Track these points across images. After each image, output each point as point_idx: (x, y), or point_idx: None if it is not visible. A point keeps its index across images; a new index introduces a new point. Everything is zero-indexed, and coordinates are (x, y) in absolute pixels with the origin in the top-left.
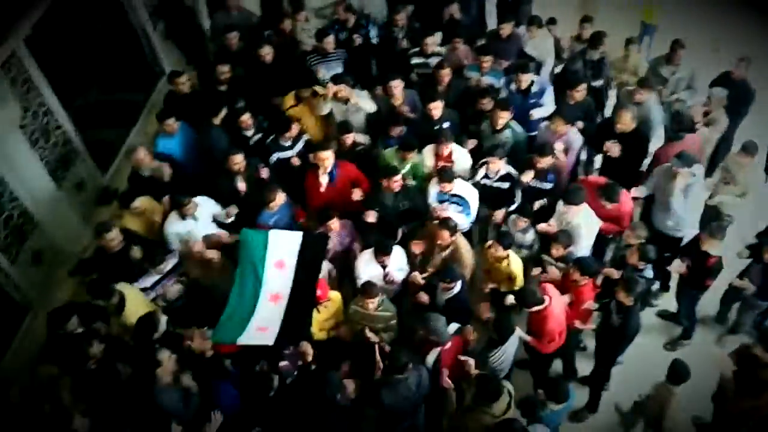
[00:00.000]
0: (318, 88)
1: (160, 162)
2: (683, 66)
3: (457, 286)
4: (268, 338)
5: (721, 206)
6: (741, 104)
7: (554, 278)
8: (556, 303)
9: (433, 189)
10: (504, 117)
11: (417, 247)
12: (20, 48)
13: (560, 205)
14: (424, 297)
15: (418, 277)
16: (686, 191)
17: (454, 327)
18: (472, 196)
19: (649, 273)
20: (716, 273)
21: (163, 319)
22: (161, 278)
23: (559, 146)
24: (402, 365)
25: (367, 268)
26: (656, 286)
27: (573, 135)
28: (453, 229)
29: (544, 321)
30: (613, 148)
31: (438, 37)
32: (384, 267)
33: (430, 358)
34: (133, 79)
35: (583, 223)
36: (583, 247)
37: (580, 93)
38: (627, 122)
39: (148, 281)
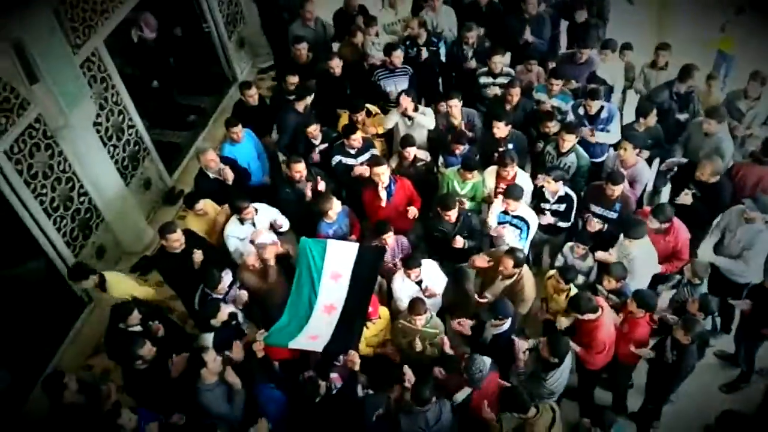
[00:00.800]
0: (371, 107)
1: (224, 165)
2: (763, 100)
3: (507, 323)
4: (318, 345)
5: None
6: None
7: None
8: (607, 315)
9: (496, 207)
10: (570, 140)
11: (481, 262)
12: (101, 47)
13: (622, 237)
14: (466, 328)
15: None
16: (756, 238)
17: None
18: (533, 220)
19: (707, 324)
20: None
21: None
22: (224, 296)
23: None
24: (425, 399)
25: (402, 285)
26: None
27: (641, 167)
28: (520, 262)
29: (595, 330)
30: (686, 198)
31: (507, 57)
32: (419, 283)
33: (460, 396)
34: (205, 84)
35: (643, 258)
36: (640, 283)
37: (651, 119)
38: (707, 174)
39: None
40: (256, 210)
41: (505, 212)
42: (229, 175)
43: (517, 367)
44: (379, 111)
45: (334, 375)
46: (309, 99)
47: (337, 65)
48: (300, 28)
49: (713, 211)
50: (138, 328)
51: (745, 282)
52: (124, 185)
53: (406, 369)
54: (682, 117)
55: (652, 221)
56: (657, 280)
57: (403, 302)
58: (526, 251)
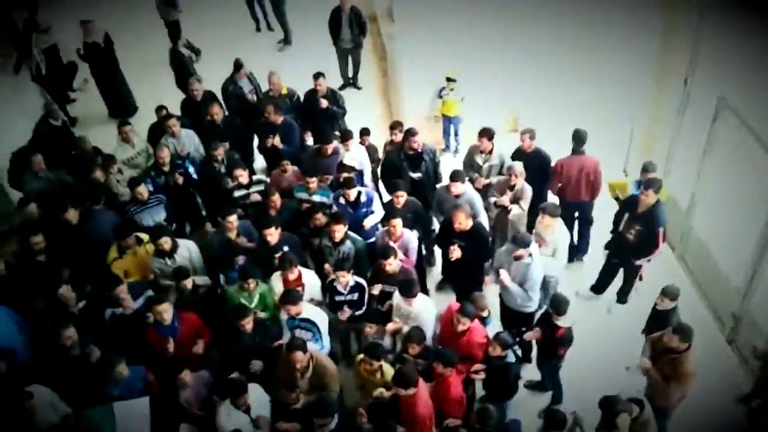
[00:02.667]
0: (141, 235)
1: None
2: (495, 153)
3: (334, 421)
4: None
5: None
6: (542, 171)
7: None
8: (423, 387)
9: (283, 315)
10: (340, 230)
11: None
12: None
13: (396, 298)
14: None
15: (284, 425)
16: (528, 271)
17: None
18: (322, 321)
19: (511, 357)
20: (568, 342)
21: None
22: None
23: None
24: None
25: (230, 419)
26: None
27: (408, 236)
28: (303, 347)
29: (414, 406)
30: (455, 252)
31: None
32: (247, 411)
33: None
34: None
35: (424, 310)
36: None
37: (402, 198)
38: (463, 221)
39: None
40: (31, 395)
41: (292, 317)
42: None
43: None
44: (147, 237)
45: None
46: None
47: (73, 216)
48: (32, 178)
49: (481, 253)
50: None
51: (531, 311)
52: None
53: None
54: (416, 176)
55: (463, 321)
56: None
57: None
58: (326, 351)
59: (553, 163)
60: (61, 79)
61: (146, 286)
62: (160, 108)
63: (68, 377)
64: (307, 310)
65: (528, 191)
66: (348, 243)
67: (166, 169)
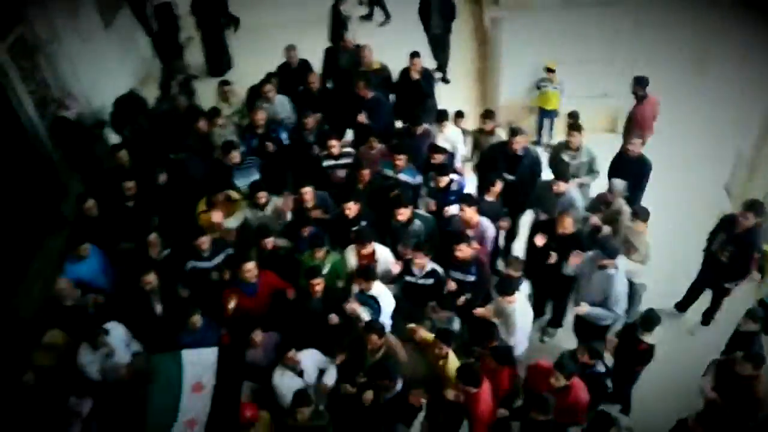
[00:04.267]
0: (232, 193)
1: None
2: (584, 150)
3: (399, 384)
4: None
5: (631, 276)
6: (640, 179)
7: None
8: (486, 386)
9: (355, 288)
10: (404, 213)
11: (339, 359)
12: None
13: (497, 296)
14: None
15: (350, 388)
16: (611, 281)
17: None
18: (387, 301)
19: (601, 367)
20: (648, 359)
21: None
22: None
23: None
24: None
25: (282, 380)
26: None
27: (485, 224)
28: (381, 331)
29: (476, 404)
30: (552, 259)
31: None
32: (300, 374)
33: None
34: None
35: (519, 312)
36: (519, 339)
37: (496, 189)
38: (568, 227)
39: None
40: (107, 331)
41: (361, 291)
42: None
43: None
44: (239, 197)
45: None
46: None
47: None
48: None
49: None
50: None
51: (607, 324)
52: None
53: None
54: (509, 178)
55: (558, 379)
56: None
57: (287, 397)
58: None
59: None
60: (171, 36)
61: (227, 244)
62: (271, 75)
63: (144, 320)
64: (376, 288)
65: (626, 213)
66: (416, 222)
67: (261, 131)
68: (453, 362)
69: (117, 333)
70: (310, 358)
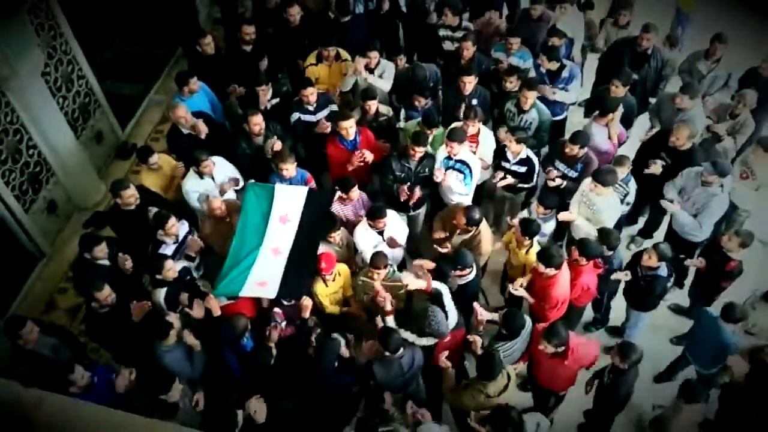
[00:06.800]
0: (342, 52)
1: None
2: (722, 63)
3: (471, 274)
4: (269, 292)
5: (735, 198)
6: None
7: None
8: (565, 272)
9: (441, 152)
10: (531, 97)
11: (438, 236)
12: None
13: (585, 184)
14: (428, 285)
15: (429, 264)
16: (711, 201)
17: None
18: (475, 165)
19: (663, 271)
20: (735, 276)
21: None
22: (179, 245)
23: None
24: (394, 348)
25: (364, 236)
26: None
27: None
28: (473, 221)
29: (551, 287)
30: (655, 169)
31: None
32: (381, 233)
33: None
34: (158, 34)
35: (608, 207)
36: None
37: (620, 90)
38: (683, 138)
39: (168, 250)
40: (214, 163)
41: (449, 157)
42: (203, 129)
43: (475, 329)
44: (349, 58)
45: (277, 310)
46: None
47: (296, 13)
48: None
49: None
50: (105, 262)
51: (698, 241)
52: (74, 138)
53: (378, 320)
54: (633, 76)
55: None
56: None
57: (367, 254)
58: (471, 195)
59: None
60: None
61: (331, 100)
62: None
63: (243, 158)
64: (464, 152)
65: (750, 127)
66: (533, 112)
67: None
68: (534, 252)
69: (224, 167)
70: (391, 220)
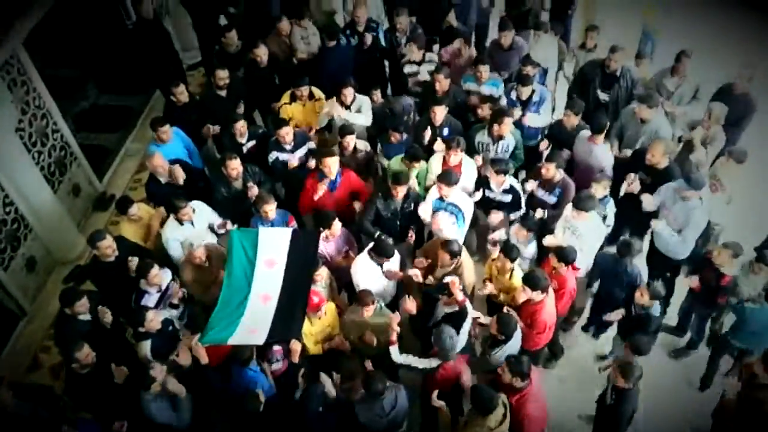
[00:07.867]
0: (315, 90)
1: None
2: (689, 77)
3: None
4: (258, 339)
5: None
6: (741, 118)
7: None
8: (551, 296)
9: (433, 193)
10: (508, 124)
11: (420, 264)
12: (20, 50)
13: (568, 210)
14: (411, 306)
15: (419, 274)
16: (691, 215)
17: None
18: (467, 207)
19: (656, 310)
20: (731, 290)
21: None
22: (162, 294)
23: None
24: (376, 391)
25: (365, 271)
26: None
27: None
28: (455, 254)
29: (538, 312)
30: (633, 187)
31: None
32: (380, 264)
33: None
34: (133, 82)
35: (589, 231)
36: (588, 257)
37: (572, 118)
38: (658, 155)
39: (152, 300)
40: (193, 210)
41: (441, 199)
42: (180, 175)
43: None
44: (323, 96)
45: (277, 348)
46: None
47: (262, 54)
48: None
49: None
50: (86, 317)
51: (682, 258)
52: (51, 193)
53: (368, 363)
54: (603, 96)
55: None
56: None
57: (360, 285)
58: (462, 239)
59: None
60: None
61: (308, 137)
62: None
63: (223, 202)
64: (456, 194)
65: (720, 141)
66: (508, 137)
67: (360, 28)
68: (518, 276)
69: (204, 212)
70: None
